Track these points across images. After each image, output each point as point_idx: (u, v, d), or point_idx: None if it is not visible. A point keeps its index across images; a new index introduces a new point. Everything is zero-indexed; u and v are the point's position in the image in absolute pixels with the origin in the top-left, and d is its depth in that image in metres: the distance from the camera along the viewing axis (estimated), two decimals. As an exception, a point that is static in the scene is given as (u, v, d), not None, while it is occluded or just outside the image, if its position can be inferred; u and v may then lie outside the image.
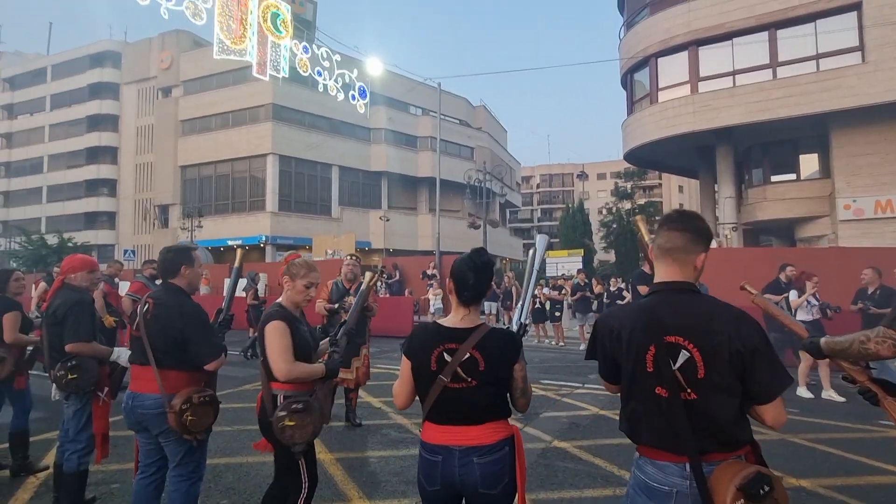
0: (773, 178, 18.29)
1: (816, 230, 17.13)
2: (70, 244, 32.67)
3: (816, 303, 7.04)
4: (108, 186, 42.51)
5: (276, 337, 2.48)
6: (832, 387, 6.80)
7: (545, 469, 4.20)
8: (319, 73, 21.67)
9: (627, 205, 39.72)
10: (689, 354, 1.55)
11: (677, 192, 61.07)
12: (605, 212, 43.33)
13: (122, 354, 3.34)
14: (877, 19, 14.84)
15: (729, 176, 18.76)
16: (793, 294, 7.11)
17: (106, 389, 3.36)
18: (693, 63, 17.74)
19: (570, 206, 43.84)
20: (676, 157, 21.67)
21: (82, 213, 42.55)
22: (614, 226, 38.22)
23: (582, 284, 12.41)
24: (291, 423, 2.41)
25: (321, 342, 2.89)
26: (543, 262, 2.98)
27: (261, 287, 12.27)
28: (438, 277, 15.58)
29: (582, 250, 26.63)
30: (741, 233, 19.07)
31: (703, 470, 1.52)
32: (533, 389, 2.11)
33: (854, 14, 15.40)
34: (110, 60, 42.77)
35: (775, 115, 16.02)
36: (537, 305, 12.56)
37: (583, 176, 56.24)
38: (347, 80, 23.43)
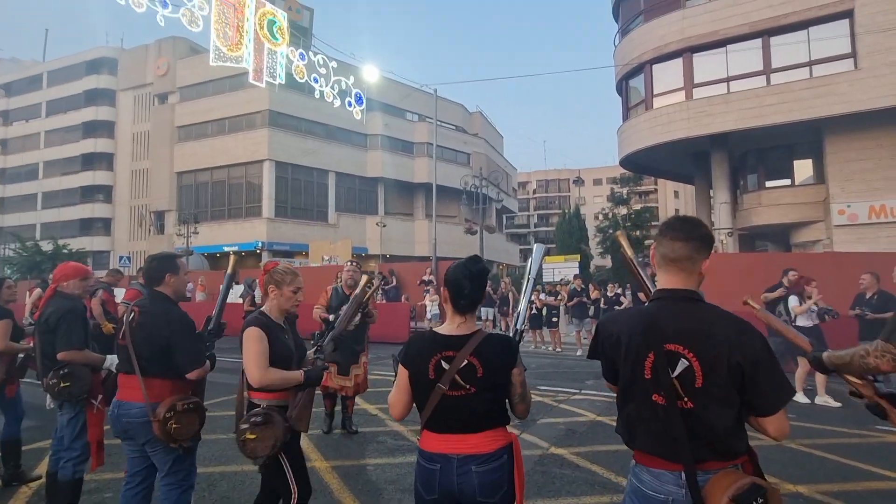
0: (768, 184, 18.41)
1: (811, 235, 17.23)
2: (65, 251, 32.52)
3: (815, 308, 7.06)
4: (104, 193, 42.38)
5: (250, 343, 2.46)
6: (827, 392, 6.81)
7: (542, 476, 4.18)
8: (316, 80, 21.71)
9: (623, 210, 39.86)
10: (687, 363, 1.55)
11: (673, 198, 61.34)
12: (601, 217, 43.46)
13: (115, 362, 3.31)
14: (869, 27, 15.00)
15: (724, 181, 18.86)
16: (793, 300, 7.10)
17: (100, 397, 3.33)
18: (687, 70, 17.88)
19: (566, 211, 43.98)
20: (672, 163, 21.79)
21: (77, 219, 42.37)
22: (610, 231, 38.32)
23: (578, 290, 12.42)
24: (252, 437, 2.38)
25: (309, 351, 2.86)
26: (540, 270, 2.99)
27: (258, 293, 12.17)
28: (435, 283, 15.56)
29: (578, 256, 26.72)
30: (737, 238, 19.16)
31: (699, 479, 1.51)
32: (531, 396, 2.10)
33: (846, 21, 15.57)
34: (106, 67, 42.75)
35: (769, 122, 16.14)
36: (534, 311, 12.56)
37: (579, 181, 56.44)
38: (344, 87, 23.48)
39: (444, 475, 1.88)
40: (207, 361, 2.78)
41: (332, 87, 22.78)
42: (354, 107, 25.33)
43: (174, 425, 2.55)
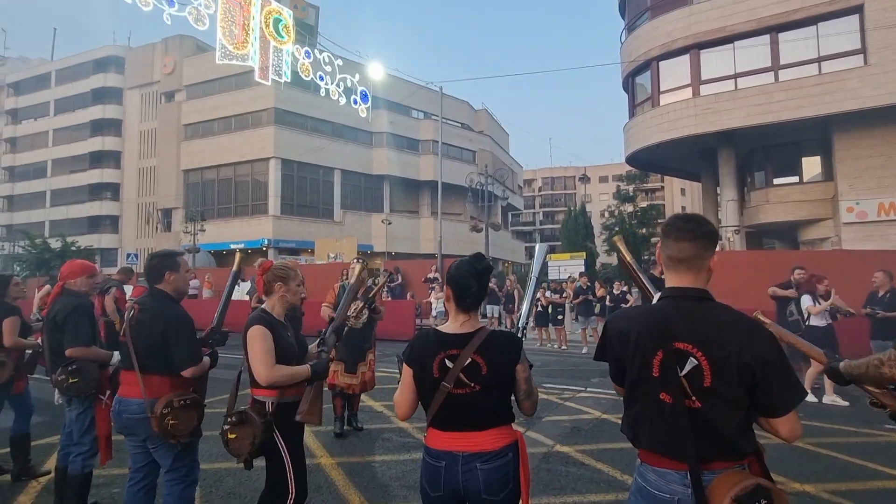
0: (776, 181, 18.26)
1: (819, 233, 17.08)
2: (73, 248, 32.76)
3: (828, 308, 6.99)
4: (112, 190, 42.68)
5: (256, 341, 2.47)
6: (835, 391, 6.76)
7: (547, 474, 4.17)
8: (321, 78, 21.75)
9: (630, 208, 39.66)
10: (696, 362, 1.53)
11: (679, 195, 61.02)
12: (607, 215, 43.26)
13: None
14: (878, 22, 14.83)
15: (731, 179, 18.73)
16: (807, 299, 7.03)
17: (108, 393, 3.36)
18: (695, 66, 17.75)
19: (572, 209, 43.81)
20: (678, 160, 21.66)
21: (85, 216, 42.70)
22: (616, 229, 38.16)
23: (584, 288, 12.38)
24: (233, 436, 2.42)
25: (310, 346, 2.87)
26: (544, 269, 3.02)
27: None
28: (440, 281, 15.55)
29: (584, 253, 26.56)
30: (744, 236, 19.03)
31: (704, 479, 1.50)
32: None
33: (856, 17, 15.39)
34: (114, 65, 43.01)
35: (777, 118, 16.00)
36: (539, 309, 12.54)
37: (585, 179, 56.18)
38: (349, 85, 23.51)
39: (449, 472, 1.88)
40: (206, 359, 2.79)
41: (338, 85, 22.82)
42: (360, 104, 25.37)
43: (171, 421, 2.57)
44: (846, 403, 6.57)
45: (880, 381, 1.70)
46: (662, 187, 61.84)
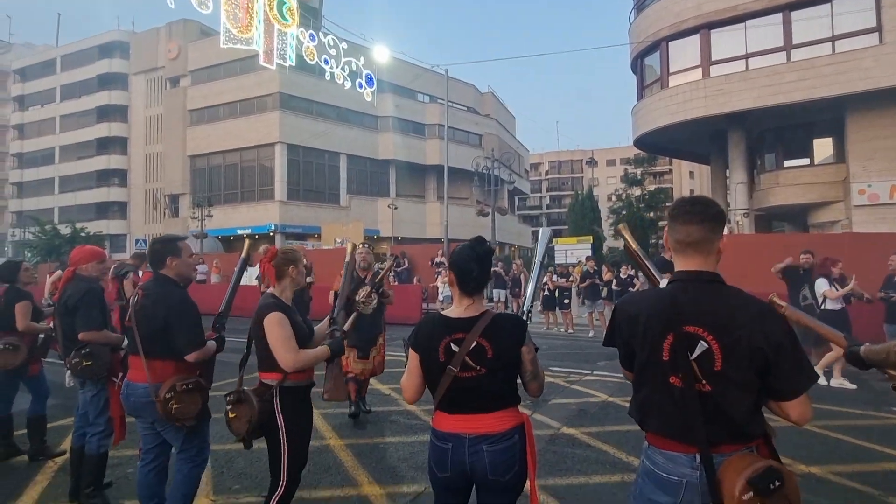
0: (786, 164, 18.02)
1: (830, 216, 16.89)
2: (83, 234, 33.03)
3: (848, 293, 6.92)
4: (119, 176, 42.86)
5: (277, 328, 2.46)
6: (843, 374, 6.75)
7: (554, 455, 4.21)
8: (326, 62, 21.59)
9: (637, 191, 39.38)
10: (707, 345, 1.53)
11: (688, 178, 60.43)
12: (614, 198, 43.03)
13: (133, 342, 3.39)
14: (895, -1, 14.47)
15: (741, 161, 18.51)
16: (823, 283, 6.96)
17: (121, 374, 3.42)
18: (705, 47, 17.43)
19: (579, 193, 43.56)
20: (687, 143, 21.41)
21: (94, 203, 42.99)
22: (624, 212, 37.94)
23: (591, 272, 12.36)
24: (233, 416, 2.45)
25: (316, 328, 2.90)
26: (548, 253, 3.03)
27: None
28: (447, 265, 15.57)
29: (591, 237, 26.52)
30: (753, 219, 18.86)
31: (713, 461, 1.50)
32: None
33: (872, -6, 15.02)
34: (118, 51, 42.89)
35: (789, 99, 15.73)
36: (546, 293, 12.54)
37: (592, 162, 55.77)
38: (354, 68, 23.34)
39: (455, 454, 1.91)
40: (211, 343, 2.80)
41: (343, 69, 22.65)
42: (365, 88, 25.19)
43: (175, 405, 2.60)
44: (854, 386, 6.56)
45: None
46: (671, 170, 61.27)
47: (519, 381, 2.03)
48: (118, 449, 3.78)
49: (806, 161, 17.83)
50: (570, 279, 12.91)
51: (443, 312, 2.04)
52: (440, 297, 14.56)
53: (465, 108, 40.43)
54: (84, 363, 3.27)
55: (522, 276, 14.33)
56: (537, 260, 2.54)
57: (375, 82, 26.95)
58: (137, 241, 32.21)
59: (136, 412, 2.81)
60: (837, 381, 6.72)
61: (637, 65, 20.59)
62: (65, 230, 33.25)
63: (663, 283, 1.85)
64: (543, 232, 2.62)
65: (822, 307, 6.88)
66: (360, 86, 24.17)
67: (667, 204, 38.79)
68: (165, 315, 2.67)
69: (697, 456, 1.52)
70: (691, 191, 56.64)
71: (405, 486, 3.65)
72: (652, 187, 42.14)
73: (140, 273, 7.25)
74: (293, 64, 20.47)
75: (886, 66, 14.44)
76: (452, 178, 28.66)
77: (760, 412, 1.57)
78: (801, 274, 7.43)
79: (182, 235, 3.21)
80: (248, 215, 32.38)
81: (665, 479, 1.58)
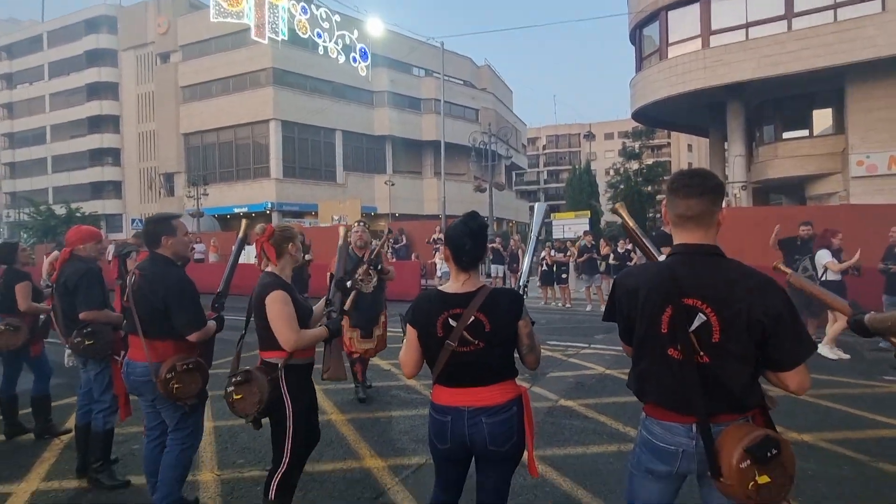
0: (785, 135, 17.90)
1: (827, 187, 16.86)
2: (78, 214, 32.82)
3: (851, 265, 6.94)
4: (112, 155, 42.39)
5: (279, 306, 2.46)
6: (838, 344, 6.83)
7: (552, 426, 4.29)
8: (319, 35, 21.17)
9: (635, 165, 39.17)
10: (705, 318, 1.54)
11: (686, 151, 60.06)
12: (612, 172, 42.79)
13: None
14: (899, -36, 14.16)
15: (739, 134, 18.37)
16: (825, 254, 6.97)
17: (123, 353, 3.45)
18: (705, 16, 17.11)
19: (576, 167, 43.30)
20: (686, 115, 21.19)
21: (88, 182, 42.61)
22: (622, 187, 37.82)
23: (589, 246, 12.38)
24: (238, 397, 2.41)
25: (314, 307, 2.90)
26: (544, 228, 3.05)
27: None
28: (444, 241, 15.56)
29: (588, 212, 26.46)
30: (750, 191, 18.81)
31: (711, 430, 1.53)
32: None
33: (875, -41, 14.70)
34: (106, 25, 41.93)
35: (790, 70, 15.53)
36: (544, 268, 12.59)
37: (590, 136, 55.32)
38: (348, 42, 22.90)
39: (455, 426, 1.95)
40: (211, 322, 2.81)
41: (336, 43, 22.23)
42: (359, 62, 24.77)
43: (176, 385, 2.62)
44: (847, 356, 6.65)
45: None
46: (669, 143, 60.81)
47: (517, 354, 2.06)
48: (123, 426, 3.84)
49: (805, 132, 17.70)
50: (568, 254, 12.94)
51: (440, 288, 2.06)
52: (438, 273, 14.60)
53: (462, 82, 39.84)
54: (86, 342, 3.29)
55: (520, 252, 14.36)
56: (533, 235, 2.55)
57: (370, 56, 26.42)
58: (133, 220, 32.07)
59: (136, 390, 2.85)
60: (833, 352, 6.79)
61: (636, 35, 20.24)
62: (60, 211, 33.02)
63: (662, 258, 1.85)
64: (539, 207, 2.64)
65: (823, 278, 6.92)
66: (354, 60, 23.77)
67: (665, 177, 38.63)
68: (164, 295, 2.67)
69: (694, 426, 1.56)
70: (689, 164, 56.37)
71: (406, 459, 3.73)
72: (650, 161, 41.92)
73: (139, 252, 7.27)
74: (285, 38, 20.07)
75: (890, 34, 14.21)
76: (449, 154, 28.44)
77: (758, 383, 1.60)
78: (797, 245, 7.45)
79: (176, 213, 3.19)
80: (244, 193, 32.16)
81: (662, 448, 1.62)
